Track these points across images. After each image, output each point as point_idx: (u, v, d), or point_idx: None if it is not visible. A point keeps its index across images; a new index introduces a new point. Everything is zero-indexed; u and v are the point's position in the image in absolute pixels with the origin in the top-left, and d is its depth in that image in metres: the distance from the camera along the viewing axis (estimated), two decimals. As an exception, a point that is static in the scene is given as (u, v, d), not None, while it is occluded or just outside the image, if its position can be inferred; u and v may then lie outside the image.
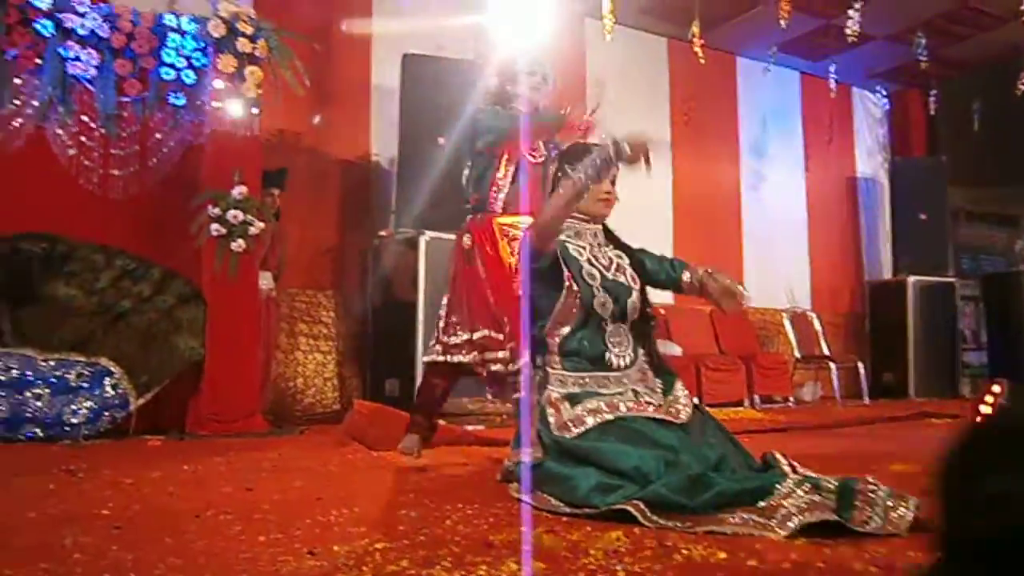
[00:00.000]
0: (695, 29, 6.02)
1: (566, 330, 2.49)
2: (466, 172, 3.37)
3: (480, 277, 3.21)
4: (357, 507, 2.23)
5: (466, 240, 3.31)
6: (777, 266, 8.13)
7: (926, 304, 8.06)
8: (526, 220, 3.14)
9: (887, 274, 8.70)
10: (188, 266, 4.54)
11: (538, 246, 2.48)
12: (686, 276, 2.66)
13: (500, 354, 3.12)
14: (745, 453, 2.39)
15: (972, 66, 8.16)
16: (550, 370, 2.48)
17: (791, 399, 7.34)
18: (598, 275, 2.51)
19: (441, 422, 3.74)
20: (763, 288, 7.99)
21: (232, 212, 4.46)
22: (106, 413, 4.24)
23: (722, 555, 1.72)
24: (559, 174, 2.61)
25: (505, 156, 3.25)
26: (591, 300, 2.47)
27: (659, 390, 2.50)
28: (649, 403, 2.43)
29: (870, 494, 1.95)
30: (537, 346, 2.57)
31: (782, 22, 5.96)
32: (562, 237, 2.56)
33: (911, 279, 8.07)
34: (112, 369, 4.31)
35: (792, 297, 8.14)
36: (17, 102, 4.26)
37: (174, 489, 2.61)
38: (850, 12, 6.14)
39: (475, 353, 3.17)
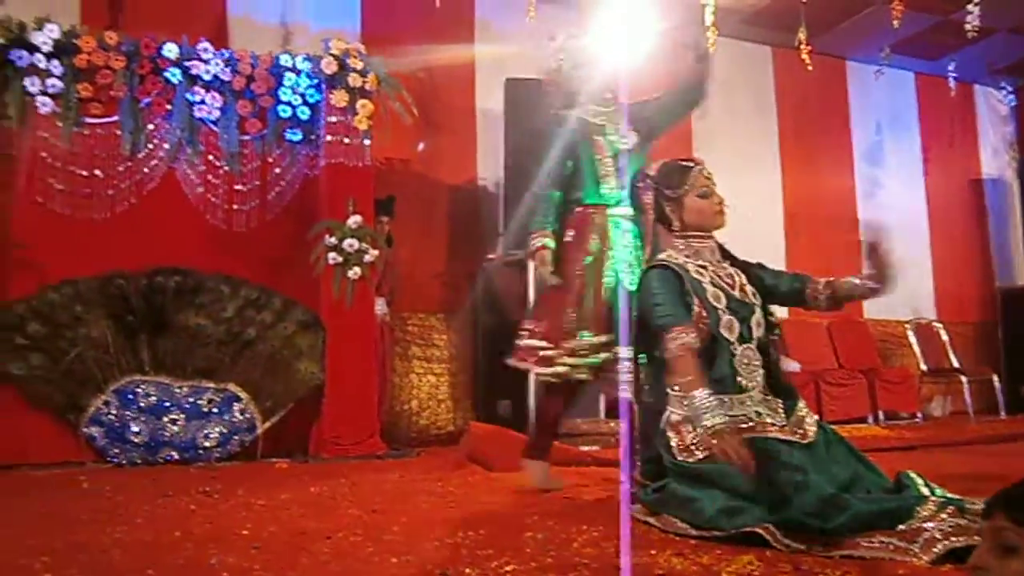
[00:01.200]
0: (801, 35, 5.86)
1: None
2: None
3: (582, 276, 3.01)
4: (483, 529, 2.25)
5: (568, 235, 3.10)
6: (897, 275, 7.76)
7: (1066, 310, 7.54)
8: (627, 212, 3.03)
9: (1021, 279, 8.19)
10: (307, 294, 4.72)
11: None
12: (812, 287, 2.57)
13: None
14: (878, 473, 2.29)
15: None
16: (670, 392, 2.43)
17: (919, 415, 6.97)
18: (723, 297, 2.44)
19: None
20: (883, 299, 7.63)
21: (348, 241, 4.62)
22: (235, 437, 4.45)
23: (864, 580, 1.65)
24: (661, 200, 2.58)
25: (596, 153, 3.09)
26: (717, 324, 2.40)
27: (781, 410, 2.42)
28: (773, 424, 2.35)
29: None
30: (655, 368, 2.54)
31: (895, 22, 5.73)
32: (682, 259, 2.51)
33: (1047, 285, 7.57)
34: (240, 394, 4.52)
35: (915, 307, 7.75)
36: (151, 146, 4.56)
37: (304, 511, 2.70)
38: (969, 7, 5.84)
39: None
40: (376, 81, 4.80)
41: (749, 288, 2.53)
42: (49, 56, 4.32)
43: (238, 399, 4.50)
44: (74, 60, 4.37)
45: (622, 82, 3.24)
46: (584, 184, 3.11)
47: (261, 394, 4.55)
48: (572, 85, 3.20)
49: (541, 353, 3.02)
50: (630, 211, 3.01)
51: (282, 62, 4.76)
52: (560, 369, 2.97)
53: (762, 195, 7.07)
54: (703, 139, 6.89)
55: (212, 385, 4.49)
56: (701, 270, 2.50)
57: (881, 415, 6.63)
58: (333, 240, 4.63)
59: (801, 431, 2.35)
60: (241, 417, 4.49)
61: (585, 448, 4.38)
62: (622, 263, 3.00)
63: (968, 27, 5.87)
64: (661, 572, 1.75)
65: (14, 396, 4.21)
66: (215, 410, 4.45)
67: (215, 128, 4.66)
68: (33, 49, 4.29)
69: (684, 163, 2.61)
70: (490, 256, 5.78)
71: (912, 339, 7.18)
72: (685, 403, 2.28)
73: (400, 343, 5.84)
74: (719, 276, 2.50)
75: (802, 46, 5.72)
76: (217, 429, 4.43)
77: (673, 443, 2.35)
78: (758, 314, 2.48)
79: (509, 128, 5.60)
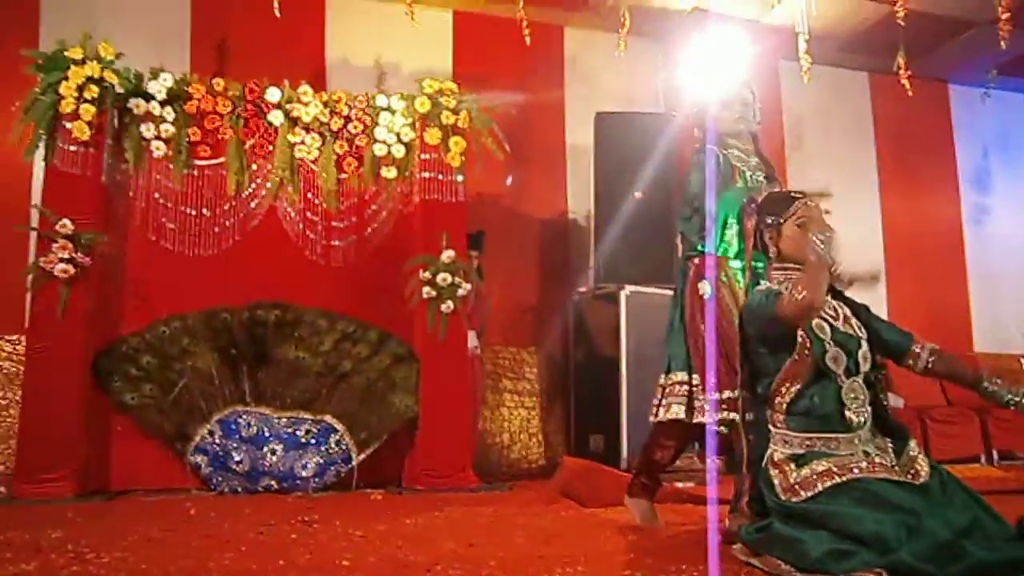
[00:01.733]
0: (900, 60, 5.69)
1: (795, 388, 2.35)
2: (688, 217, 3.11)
3: (719, 327, 2.92)
4: (580, 566, 2.22)
5: (703, 287, 3.00)
6: (1008, 306, 7.37)
7: None
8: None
9: None
10: (401, 327, 4.80)
11: (797, 324, 2.32)
12: (917, 348, 2.45)
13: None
14: (998, 517, 2.16)
15: None
16: (773, 429, 2.37)
17: (1040, 455, 6.55)
18: (828, 328, 2.37)
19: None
20: (995, 330, 7.28)
21: (441, 275, 4.69)
22: (331, 467, 4.53)
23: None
24: (761, 227, 2.54)
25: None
26: (823, 355, 2.32)
27: (891, 449, 2.32)
28: (882, 464, 2.25)
29: None
30: (756, 405, 2.47)
31: (1003, 43, 5.50)
32: (780, 288, 2.45)
33: None
34: (336, 426, 4.61)
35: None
36: (254, 185, 4.76)
37: (402, 542, 2.72)
38: (1082, 24, 5.57)
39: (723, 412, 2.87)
40: (468, 118, 4.89)
41: (854, 321, 2.44)
42: (163, 103, 4.57)
43: (334, 430, 4.60)
44: (185, 106, 4.62)
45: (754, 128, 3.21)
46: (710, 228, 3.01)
47: (356, 426, 4.64)
48: (723, 125, 3.15)
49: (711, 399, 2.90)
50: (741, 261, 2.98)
51: (378, 102, 4.91)
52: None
53: (860, 223, 6.85)
54: (797, 167, 6.74)
55: (309, 416, 4.60)
56: None
57: (995, 455, 6.26)
58: (427, 274, 4.70)
59: (913, 471, 2.25)
60: (337, 448, 4.57)
61: (680, 485, 4.28)
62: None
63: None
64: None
65: (129, 425, 4.43)
66: (312, 441, 4.55)
67: (314, 167, 4.83)
68: (149, 97, 4.56)
69: (791, 193, 2.58)
70: (581, 289, 5.77)
71: (1028, 374, 6.78)
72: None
73: (491, 376, 5.87)
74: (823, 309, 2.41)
75: (901, 71, 5.56)
76: (314, 460, 4.52)
77: (776, 482, 2.28)
78: (864, 348, 2.39)
79: (599, 161, 5.61)
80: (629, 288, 5.22)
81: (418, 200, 4.86)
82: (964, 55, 6.88)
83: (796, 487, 2.23)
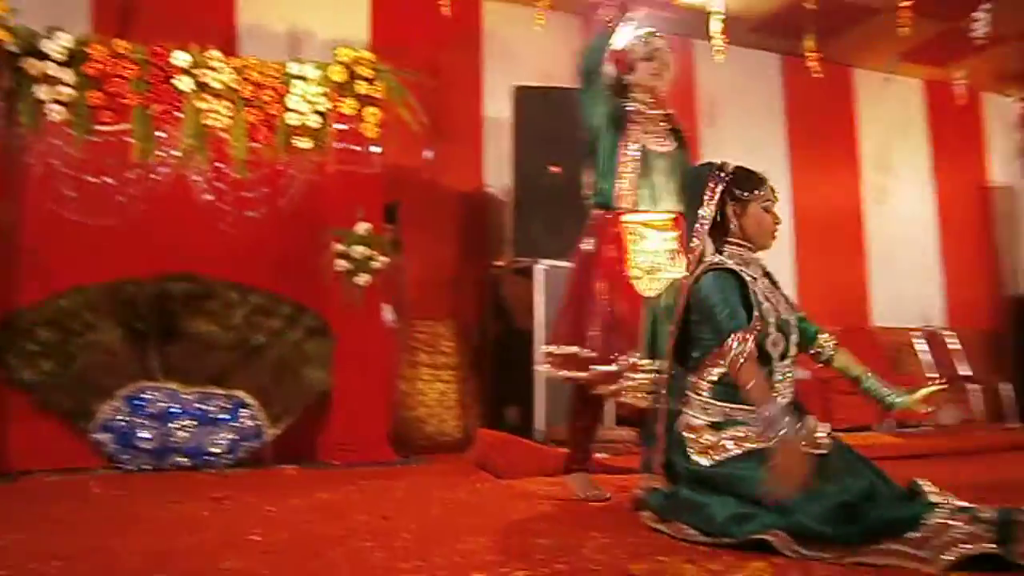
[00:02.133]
0: (809, 43, 5.86)
1: (722, 367, 2.37)
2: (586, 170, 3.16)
3: (604, 289, 2.96)
4: (493, 535, 2.25)
5: (590, 243, 3.05)
6: (905, 283, 7.75)
7: (1074, 319, 7.50)
8: (657, 217, 3.02)
9: (1029, 287, 8.16)
10: (316, 300, 4.73)
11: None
12: (824, 344, 2.60)
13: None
14: (890, 482, 2.28)
15: (1117, 62, 7.60)
16: (694, 396, 2.43)
17: (929, 423, 6.94)
18: (773, 313, 2.42)
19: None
20: (891, 306, 7.64)
21: (357, 248, 4.63)
22: (244, 443, 4.45)
23: (877, 588, 1.65)
24: (727, 198, 2.50)
25: (626, 145, 3.02)
26: (765, 339, 2.38)
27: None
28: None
29: None
30: (677, 370, 2.52)
31: (903, 30, 5.72)
32: (734, 264, 2.45)
33: (1055, 292, 7.54)
34: (248, 401, 4.52)
35: (925, 315, 7.74)
36: (161, 153, 4.58)
37: (315, 517, 2.70)
38: (976, 14, 5.84)
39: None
40: (384, 89, 4.82)
41: (787, 305, 2.51)
42: (61, 64, 4.34)
43: (247, 406, 4.51)
44: (85, 68, 4.40)
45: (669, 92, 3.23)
46: (598, 177, 3.06)
47: (270, 400, 4.56)
48: (632, 74, 3.16)
49: (602, 369, 2.90)
50: (652, 217, 3.00)
51: (291, 70, 4.78)
52: (631, 384, 2.86)
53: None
54: (712, 145, 6.90)
55: (221, 391, 4.50)
56: (754, 279, 2.45)
57: (891, 423, 6.59)
58: (342, 247, 4.64)
59: (815, 441, 2.34)
60: (250, 424, 4.49)
61: (596, 456, 4.36)
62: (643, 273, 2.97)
63: (976, 35, 5.86)
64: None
65: (25, 403, 4.23)
66: (224, 416, 4.45)
67: (225, 135, 4.68)
68: (44, 57, 4.32)
69: (760, 174, 2.56)
70: (498, 263, 5.78)
71: (921, 347, 7.16)
72: (761, 409, 2.21)
73: (407, 350, 5.84)
74: (767, 293, 2.47)
75: (809, 54, 5.73)
76: (226, 436, 4.43)
77: (689, 446, 2.35)
78: (796, 334, 2.48)
79: (517, 135, 5.61)
80: (545, 262, 5.26)
81: (333, 171, 4.77)
82: (868, 41, 7.14)
83: (708, 451, 2.30)
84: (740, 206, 2.49)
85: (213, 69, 4.61)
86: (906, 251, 7.83)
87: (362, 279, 4.65)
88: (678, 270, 2.93)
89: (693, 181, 2.62)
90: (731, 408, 2.36)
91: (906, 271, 7.76)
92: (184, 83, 4.57)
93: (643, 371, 2.85)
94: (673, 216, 3.05)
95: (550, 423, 5.02)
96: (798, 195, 7.36)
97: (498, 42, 6.40)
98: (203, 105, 4.61)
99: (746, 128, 7.12)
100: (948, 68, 7.53)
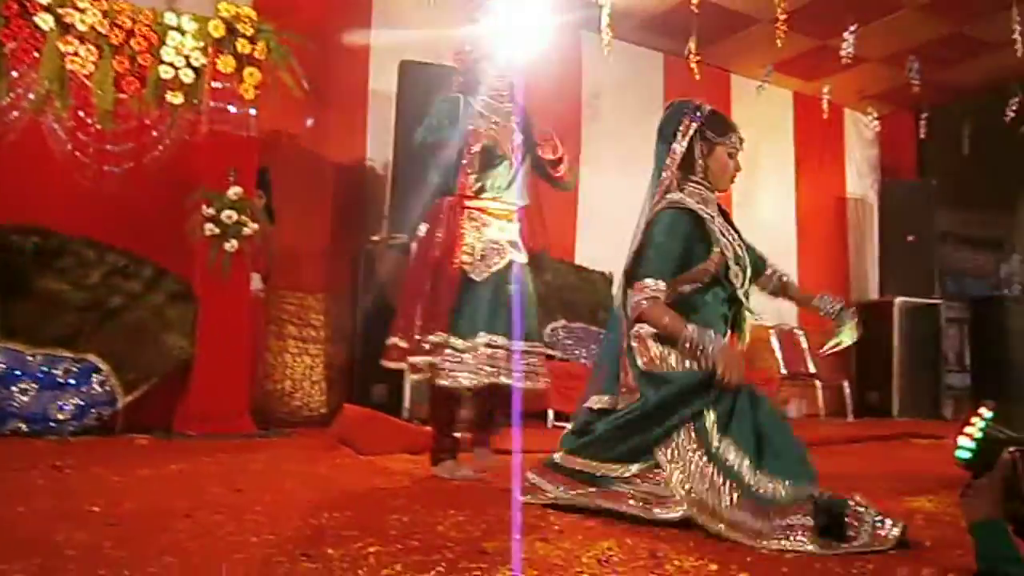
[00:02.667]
0: (691, 45, 6.07)
1: (690, 288, 2.48)
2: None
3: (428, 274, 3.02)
4: (349, 511, 2.23)
5: (422, 228, 3.11)
6: (766, 283, 8.16)
7: (911, 325, 8.11)
8: (499, 206, 3.11)
9: (874, 294, 8.76)
10: (180, 264, 4.54)
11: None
12: (770, 272, 2.78)
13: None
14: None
15: (963, 91, 8.25)
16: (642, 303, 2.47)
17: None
18: (730, 248, 2.52)
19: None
20: (752, 304, 8.02)
21: (226, 212, 4.46)
22: (93, 410, 4.22)
23: (713, 567, 1.74)
24: (697, 137, 2.57)
25: (472, 137, 3.08)
26: (727, 271, 2.48)
27: None
28: None
29: (858, 511, 1.98)
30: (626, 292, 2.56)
31: (778, 42, 6.02)
32: (694, 204, 2.51)
33: (897, 300, 8.12)
34: (100, 366, 4.29)
35: (780, 314, 8.19)
36: (13, 95, 4.25)
37: (163, 488, 2.61)
38: (845, 35, 6.21)
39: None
40: (266, 50, 4.65)
41: (742, 242, 2.62)
42: (-99, -13, 3.97)
43: (98, 370, 4.27)
44: (-72, -4, 4.03)
45: (519, 85, 3.28)
46: (445, 167, 3.11)
47: (124, 366, 4.33)
48: (475, 74, 3.19)
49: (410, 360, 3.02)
50: (495, 206, 3.10)
51: (166, 20, 4.54)
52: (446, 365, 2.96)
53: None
54: (593, 137, 7.04)
55: (70, 355, 4.24)
56: (712, 217, 2.54)
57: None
58: (211, 211, 4.46)
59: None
60: (100, 390, 4.26)
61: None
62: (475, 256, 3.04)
63: (843, 53, 6.23)
64: (524, 557, 1.78)
65: None
66: (72, 381, 4.20)
67: (88, 83, 4.39)
68: None
69: (730, 120, 2.65)
70: (374, 238, 5.71)
71: (775, 344, 7.58)
72: (684, 335, 2.34)
73: (276, 321, 5.69)
74: (725, 230, 2.57)
75: (691, 56, 5.93)
76: (73, 401, 4.18)
77: (637, 355, 2.43)
78: (750, 267, 2.60)
79: (401, 110, 5.54)
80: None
81: (206, 130, 4.57)
82: (746, 49, 7.45)
83: (654, 360, 2.40)
84: (708, 146, 2.58)
85: (79, 9, 4.32)
86: (768, 253, 8.18)
87: (230, 245, 4.49)
88: (519, 257, 3.11)
89: (668, 117, 2.66)
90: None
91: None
92: (45, 21, 4.26)
93: (455, 350, 2.93)
94: (515, 208, 3.17)
95: (418, 402, 5.02)
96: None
97: (388, 14, 6.28)
98: (65, 48, 4.31)
99: (625, 122, 7.27)
100: (816, 82, 7.97)
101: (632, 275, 2.53)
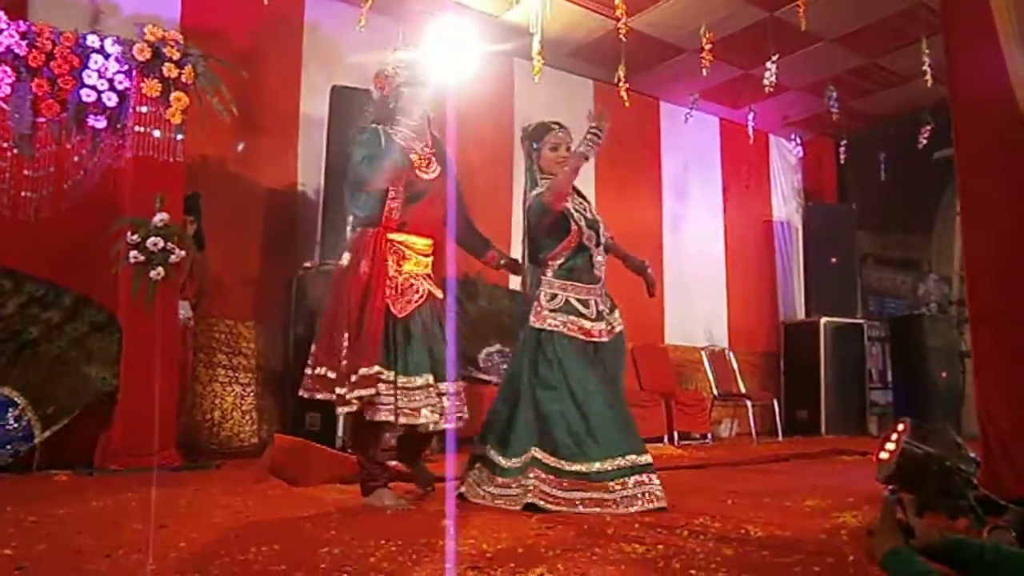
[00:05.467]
0: (621, 73, 6.18)
1: (564, 255, 3.28)
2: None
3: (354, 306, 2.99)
4: (278, 544, 2.18)
5: (345, 258, 3.11)
6: (696, 305, 8.33)
7: (837, 344, 8.36)
8: (419, 240, 3.15)
9: (801, 315, 9.02)
10: (103, 292, 4.40)
11: (556, 208, 3.20)
12: (609, 234, 3.62)
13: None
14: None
15: (879, 119, 8.61)
16: (543, 279, 3.30)
17: (709, 436, 7.48)
18: (583, 218, 3.31)
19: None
20: (682, 327, 8.17)
21: (152, 239, 4.35)
22: (8, 446, 4.05)
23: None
24: (532, 146, 3.40)
25: (392, 169, 3.08)
26: (581, 236, 3.28)
27: (609, 303, 3.40)
28: (598, 327, 3.27)
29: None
30: (535, 271, 3.37)
31: (704, 70, 6.19)
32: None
33: (823, 320, 8.38)
34: (16, 400, 4.13)
35: (711, 335, 8.36)
36: (-78, 118, 4.09)
37: (82, 527, 2.50)
38: (767, 64, 6.42)
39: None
40: (193, 74, 4.58)
41: (592, 212, 3.43)
42: None
43: (14, 404, 4.11)
44: None
45: (443, 114, 3.34)
46: (371, 204, 3.10)
47: (42, 400, 4.17)
48: (396, 99, 3.19)
49: (337, 392, 2.96)
50: (415, 240, 3.15)
51: (88, 42, 4.43)
52: (373, 398, 2.93)
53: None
54: (520, 163, 7.08)
55: (-17, 388, 4.07)
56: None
57: (676, 435, 7.04)
58: (136, 238, 4.34)
59: (611, 326, 3.33)
60: (16, 424, 4.09)
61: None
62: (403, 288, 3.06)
63: (766, 82, 6.43)
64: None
65: None
66: (-15, 416, 4.03)
67: (4, 106, 4.26)
68: None
69: (547, 122, 3.45)
70: (306, 264, 5.63)
71: (706, 365, 7.72)
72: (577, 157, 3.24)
73: (205, 350, 5.55)
74: (575, 204, 3.34)
75: (620, 83, 6.04)
76: (-15, 437, 4.00)
77: (533, 310, 3.26)
78: (603, 228, 3.41)
79: (332, 136, 5.51)
80: (355, 266, 5.18)
81: (131, 155, 4.47)
82: (674, 76, 7.64)
83: (538, 316, 3.23)
84: (537, 154, 3.39)
85: (-6, 31, 4.19)
86: (698, 277, 8.40)
87: (156, 273, 4.37)
88: (435, 291, 3.18)
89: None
90: (566, 285, 3.27)
91: (696, 295, 8.33)
92: (-42, 43, 4.12)
93: (391, 385, 2.93)
94: (431, 244, 3.22)
95: (350, 430, 4.93)
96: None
97: (320, 39, 6.26)
98: (-20, 70, 4.18)
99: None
100: (741, 109, 8.21)
101: (530, 255, 3.36)
